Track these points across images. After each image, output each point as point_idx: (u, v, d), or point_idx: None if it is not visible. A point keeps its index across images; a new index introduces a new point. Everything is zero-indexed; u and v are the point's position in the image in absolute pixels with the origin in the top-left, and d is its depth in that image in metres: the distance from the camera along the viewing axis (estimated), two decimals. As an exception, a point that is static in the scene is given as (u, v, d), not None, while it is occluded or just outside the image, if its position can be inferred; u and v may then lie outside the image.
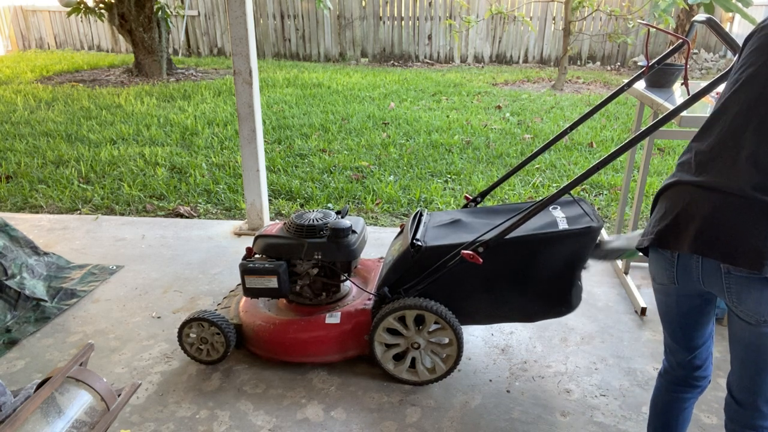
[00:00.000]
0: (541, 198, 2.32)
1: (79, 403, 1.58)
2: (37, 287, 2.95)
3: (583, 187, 4.56)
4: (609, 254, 2.09)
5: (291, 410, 2.18)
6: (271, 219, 3.99)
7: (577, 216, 2.17)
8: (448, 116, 6.78)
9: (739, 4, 7.78)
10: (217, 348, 2.39)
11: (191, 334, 2.39)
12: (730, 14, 9.86)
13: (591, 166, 1.90)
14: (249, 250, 2.46)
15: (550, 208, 2.26)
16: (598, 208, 4.19)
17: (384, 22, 11.52)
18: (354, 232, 2.38)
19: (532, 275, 2.16)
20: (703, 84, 1.78)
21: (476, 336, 2.64)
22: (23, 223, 3.78)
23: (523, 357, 2.50)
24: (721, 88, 1.62)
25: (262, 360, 2.45)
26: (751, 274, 1.25)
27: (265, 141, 5.46)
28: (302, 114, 6.86)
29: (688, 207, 1.34)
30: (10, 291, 2.83)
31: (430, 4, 11.25)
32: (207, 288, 3.07)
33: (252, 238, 2.50)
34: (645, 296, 2.88)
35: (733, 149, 1.31)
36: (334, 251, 2.32)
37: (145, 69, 9.43)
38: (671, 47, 2.23)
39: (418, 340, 2.24)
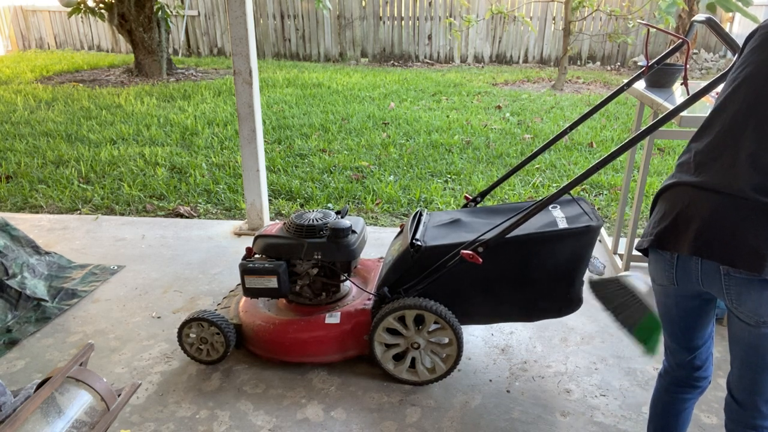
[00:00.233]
0: (541, 198, 2.32)
1: (79, 403, 1.58)
2: (38, 287, 2.95)
3: (583, 187, 4.56)
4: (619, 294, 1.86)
5: (291, 410, 2.18)
6: (271, 219, 3.99)
7: (576, 215, 2.17)
8: (448, 116, 6.77)
9: (739, 4, 7.77)
10: (217, 348, 2.39)
11: (191, 334, 2.39)
12: (730, 14, 9.86)
13: (591, 166, 1.90)
14: (249, 250, 2.46)
15: (550, 208, 2.27)
16: (598, 208, 4.19)
17: (384, 22, 11.52)
18: (354, 232, 2.38)
19: (532, 275, 2.16)
20: (703, 84, 1.78)
21: (476, 336, 2.64)
22: (23, 223, 3.78)
23: (523, 357, 2.50)
24: (720, 87, 1.61)
25: (262, 360, 2.45)
26: (750, 275, 1.25)
27: (265, 141, 5.46)
28: (302, 114, 6.86)
29: (687, 208, 1.34)
30: (11, 291, 2.83)
31: (430, 4, 11.25)
32: (207, 288, 3.07)
33: (252, 238, 2.50)
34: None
35: (732, 149, 1.30)
36: (334, 251, 2.32)
37: (145, 69, 9.43)
38: (671, 47, 2.23)
39: (418, 340, 2.24)
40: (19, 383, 2.27)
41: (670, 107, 1.80)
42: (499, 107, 7.31)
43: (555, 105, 7.43)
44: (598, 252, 3.42)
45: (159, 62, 9.45)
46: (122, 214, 4.12)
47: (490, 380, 2.35)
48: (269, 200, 4.13)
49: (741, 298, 1.29)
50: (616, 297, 1.89)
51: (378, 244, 3.48)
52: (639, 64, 10.68)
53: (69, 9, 9.62)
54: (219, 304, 2.68)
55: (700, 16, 1.89)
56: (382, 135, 5.96)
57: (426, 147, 5.55)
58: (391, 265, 2.28)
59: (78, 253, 3.43)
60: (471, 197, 2.67)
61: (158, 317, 2.80)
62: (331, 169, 4.97)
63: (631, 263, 3.15)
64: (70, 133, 5.99)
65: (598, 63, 11.25)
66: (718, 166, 1.32)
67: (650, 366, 2.44)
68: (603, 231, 3.68)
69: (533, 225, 2.13)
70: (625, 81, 2.49)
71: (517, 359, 2.48)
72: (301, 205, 4.29)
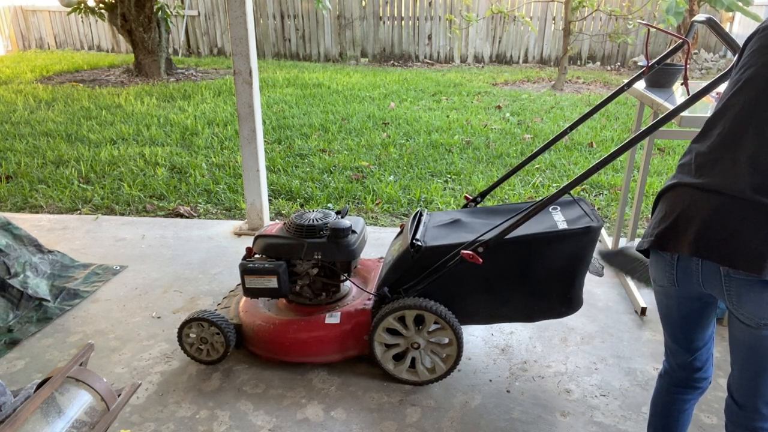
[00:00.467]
0: (541, 198, 2.32)
1: (79, 403, 1.58)
2: (40, 286, 2.95)
3: (583, 187, 4.56)
4: (627, 262, 2.03)
5: (291, 410, 2.18)
6: (271, 219, 3.99)
7: (576, 216, 2.17)
8: (448, 116, 6.78)
9: (739, 3, 7.77)
10: (217, 348, 2.39)
11: (191, 334, 2.39)
12: (730, 14, 9.85)
13: (591, 166, 1.90)
14: (249, 250, 2.46)
15: (550, 208, 2.27)
16: (598, 208, 4.19)
17: (384, 22, 11.52)
18: (354, 232, 2.38)
19: (532, 275, 2.16)
20: (703, 84, 1.78)
21: (476, 336, 2.64)
22: (23, 223, 3.77)
23: (523, 357, 2.50)
24: (721, 88, 1.61)
25: (262, 360, 2.45)
26: (750, 276, 1.24)
27: (265, 141, 5.46)
28: (302, 114, 6.86)
29: (688, 209, 1.34)
30: (13, 290, 2.83)
31: (430, 3, 11.25)
32: (207, 288, 3.07)
33: (252, 238, 2.50)
34: (645, 296, 2.87)
35: (733, 151, 1.30)
36: (334, 251, 2.32)
37: (145, 69, 9.43)
38: (671, 47, 2.23)
39: (418, 340, 2.24)
40: (19, 383, 2.27)
41: (670, 107, 1.80)
42: (499, 107, 7.31)
43: (555, 105, 7.43)
44: (597, 254, 3.42)
45: (159, 62, 9.45)
46: (122, 214, 4.12)
47: (490, 380, 2.35)
48: (269, 200, 4.13)
49: (741, 300, 1.29)
50: (627, 263, 2.03)
51: (378, 244, 3.48)
52: (639, 64, 10.67)
53: (69, 9, 9.62)
54: (219, 304, 2.68)
55: (700, 16, 1.89)
56: (382, 135, 5.96)
57: (426, 147, 5.56)
58: (391, 265, 2.28)
59: (78, 254, 3.43)
60: (471, 197, 2.67)
61: (158, 317, 2.80)
62: (331, 169, 4.97)
63: (631, 263, 3.15)
64: (70, 133, 5.99)
65: (598, 63, 11.25)
66: (719, 168, 1.31)
67: (650, 366, 2.44)
68: (603, 231, 3.68)
69: (533, 225, 2.13)
70: (625, 81, 2.49)
71: (517, 359, 2.48)
72: (301, 205, 4.29)
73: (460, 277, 2.17)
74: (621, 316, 2.81)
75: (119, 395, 1.71)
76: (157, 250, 3.51)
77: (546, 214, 2.22)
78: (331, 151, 5.47)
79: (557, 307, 2.23)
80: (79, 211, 4.16)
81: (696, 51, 10.67)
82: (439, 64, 11.52)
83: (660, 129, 1.86)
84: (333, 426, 2.11)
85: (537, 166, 5.01)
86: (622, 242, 3.37)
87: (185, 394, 2.27)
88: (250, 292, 2.37)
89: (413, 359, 2.29)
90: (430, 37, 11.54)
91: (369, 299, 2.42)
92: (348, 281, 2.51)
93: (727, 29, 4.88)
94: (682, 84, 2.00)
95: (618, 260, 2.12)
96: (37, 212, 4.16)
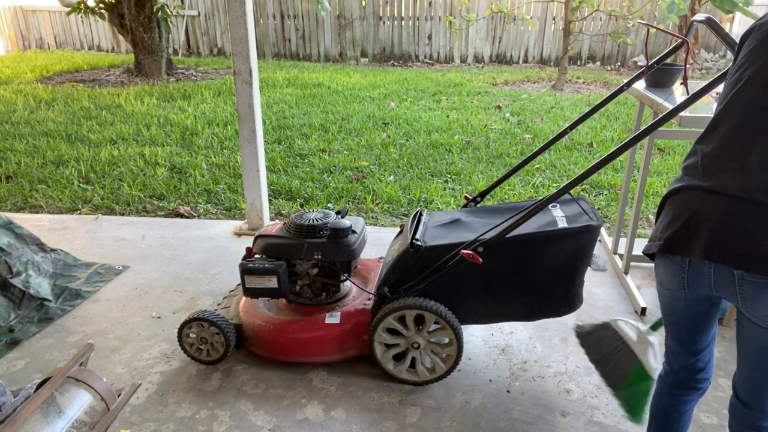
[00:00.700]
0: (540, 197, 2.32)
1: (79, 403, 1.58)
2: (42, 285, 2.94)
3: (583, 186, 4.56)
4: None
5: (291, 410, 2.18)
6: (271, 219, 3.99)
7: (576, 215, 2.17)
8: (448, 116, 6.77)
9: (740, 3, 7.76)
10: (217, 348, 2.39)
11: (191, 334, 2.39)
12: (730, 14, 9.85)
13: (591, 165, 1.90)
14: (249, 250, 2.45)
15: (550, 207, 2.27)
16: (598, 208, 4.19)
17: (384, 22, 11.52)
18: (354, 232, 2.38)
19: (532, 274, 2.16)
20: (703, 84, 1.78)
21: (476, 336, 2.64)
22: (23, 223, 3.76)
23: (523, 357, 2.50)
24: (721, 87, 1.61)
25: (262, 360, 2.45)
26: (765, 279, 1.22)
27: (265, 141, 5.46)
28: (302, 114, 6.86)
29: (698, 212, 1.32)
30: (14, 290, 2.82)
31: (430, 4, 11.25)
32: (207, 288, 3.07)
33: (252, 238, 2.50)
34: (645, 296, 2.87)
35: (741, 152, 1.28)
36: (334, 251, 2.32)
37: (145, 69, 9.43)
38: (671, 47, 2.23)
39: (418, 340, 2.24)
40: (19, 383, 2.27)
41: (670, 107, 1.80)
42: (499, 107, 7.31)
43: (555, 105, 7.43)
44: (598, 252, 3.42)
45: (159, 62, 9.45)
46: (122, 214, 4.12)
47: (490, 380, 2.35)
48: (269, 200, 4.13)
49: (756, 302, 1.27)
50: (603, 345, 1.98)
51: (378, 244, 3.48)
52: (639, 64, 10.68)
53: (68, 9, 9.62)
54: (219, 304, 2.68)
55: (699, 16, 1.89)
56: (382, 135, 5.96)
57: (426, 147, 5.55)
58: (391, 265, 2.28)
59: (78, 254, 3.42)
60: (471, 197, 2.67)
61: (158, 317, 2.80)
62: (331, 169, 4.97)
63: (631, 263, 3.16)
64: (70, 133, 5.99)
65: (598, 63, 11.25)
66: (727, 169, 1.29)
67: (650, 366, 2.44)
68: (603, 231, 3.68)
69: (533, 225, 2.13)
70: (625, 81, 2.49)
71: (517, 359, 2.48)
72: (301, 205, 4.29)
73: (460, 276, 2.17)
74: (621, 316, 2.80)
75: (119, 395, 1.71)
76: (157, 250, 3.51)
77: (545, 212, 2.22)
78: (331, 151, 5.47)
79: (557, 306, 2.22)
80: (79, 211, 4.16)
81: (696, 51, 10.67)
82: (439, 64, 11.52)
83: (660, 129, 1.86)
84: (333, 426, 2.11)
85: (537, 166, 5.01)
86: (622, 243, 3.37)
87: (185, 394, 2.27)
88: (250, 292, 2.37)
89: (413, 359, 2.29)
90: (430, 37, 11.54)
91: (369, 299, 2.42)
92: (348, 281, 2.51)
93: (727, 29, 4.88)
94: (681, 84, 2.00)
95: (595, 337, 2.09)
96: (37, 212, 4.16)
